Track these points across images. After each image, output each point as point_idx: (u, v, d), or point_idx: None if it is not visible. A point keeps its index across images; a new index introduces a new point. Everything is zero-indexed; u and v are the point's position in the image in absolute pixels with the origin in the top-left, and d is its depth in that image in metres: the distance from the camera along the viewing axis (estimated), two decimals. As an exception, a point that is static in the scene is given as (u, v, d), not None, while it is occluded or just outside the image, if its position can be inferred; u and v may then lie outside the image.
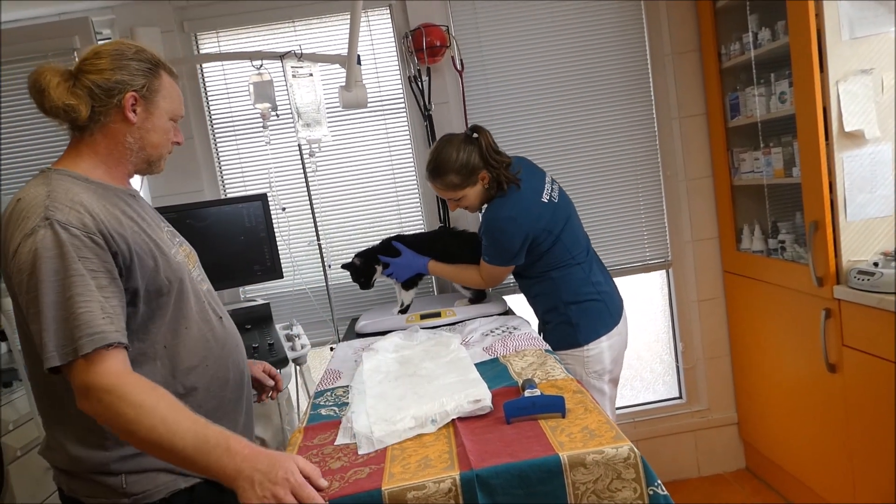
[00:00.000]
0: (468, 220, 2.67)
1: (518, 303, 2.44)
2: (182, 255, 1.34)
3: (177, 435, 1.03)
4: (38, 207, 1.12)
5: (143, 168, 1.34)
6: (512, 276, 2.18)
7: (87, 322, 1.07)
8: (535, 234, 1.98)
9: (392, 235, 2.32)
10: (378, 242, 2.31)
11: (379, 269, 2.25)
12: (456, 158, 1.99)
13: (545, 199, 2.01)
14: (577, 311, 2.03)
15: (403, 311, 2.25)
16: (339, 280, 2.64)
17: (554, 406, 1.21)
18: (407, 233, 2.68)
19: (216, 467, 1.02)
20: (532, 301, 2.20)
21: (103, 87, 1.22)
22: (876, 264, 1.94)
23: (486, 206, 2.09)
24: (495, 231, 1.99)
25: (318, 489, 1.02)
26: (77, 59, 1.25)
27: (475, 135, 2.03)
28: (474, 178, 2.01)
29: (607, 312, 2.07)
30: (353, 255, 2.29)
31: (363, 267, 2.24)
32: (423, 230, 2.70)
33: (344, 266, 2.30)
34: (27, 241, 1.10)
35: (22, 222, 1.12)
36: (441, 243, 2.26)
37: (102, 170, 1.26)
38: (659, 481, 1.03)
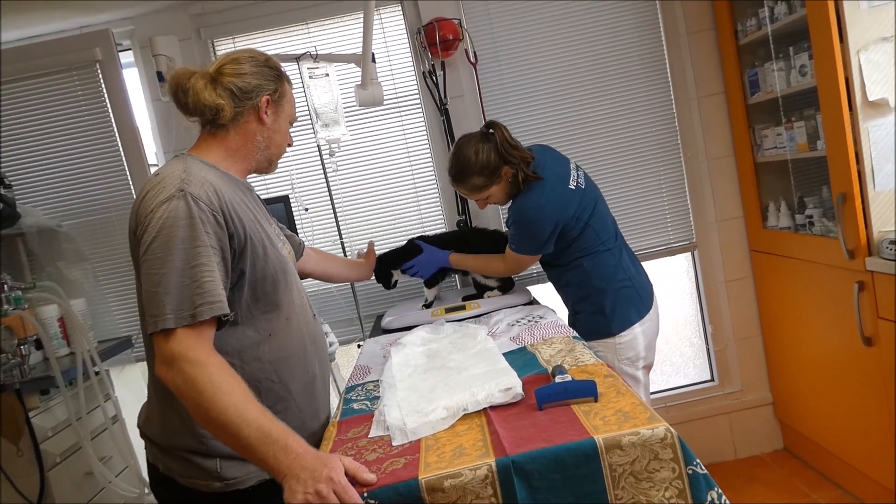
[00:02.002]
0: (488, 215, 2.67)
1: (542, 293, 2.43)
2: (286, 251, 1.43)
3: (244, 422, 1.08)
4: (175, 180, 1.22)
5: (263, 166, 1.46)
6: (539, 266, 2.17)
7: (209, 290, 1.16)
8: (564, 222, 1.96)
9: (416, 236, 2.31)
10: (402, 245, 2.29)
11: (395, 273, 2.25)
12: (476, 160, 1.97)
13: (572, 185, 1.99)
14: (610, 298, 2.01)
15: (428, 306, 2.26)
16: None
17: (586, 390, 1.20)
18: (428, 230, 2.70)
19: (272, 461, 1.06)
20: (562, 291, 2.18)
21: (243, 90, 1.34)
22: (908, 235, 1.90)
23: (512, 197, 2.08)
24: (524, 220, 1.96)
25: (367, 484, 1.04)
26: (215, 64, 1.36)
27: (491, 131, 2.00)
28: (497, 176, 1.98)
29: (639, 298, 2.05)
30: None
31: (378, 272, 2.24)
32: (442, 223, 2.71)
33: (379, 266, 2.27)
34: (161, 207, 1.18)
35: (161, 191, 1.21)
36: (462, 241, 2.25)
37: (229, 162, 1.38)
38: (698, 460, 1.02)
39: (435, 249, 2.21)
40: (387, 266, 2.24)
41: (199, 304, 1.14)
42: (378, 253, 2.27)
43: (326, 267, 1.97)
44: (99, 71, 2.54)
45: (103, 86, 2.55)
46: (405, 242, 2.29)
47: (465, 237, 2.32)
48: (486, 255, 2.17)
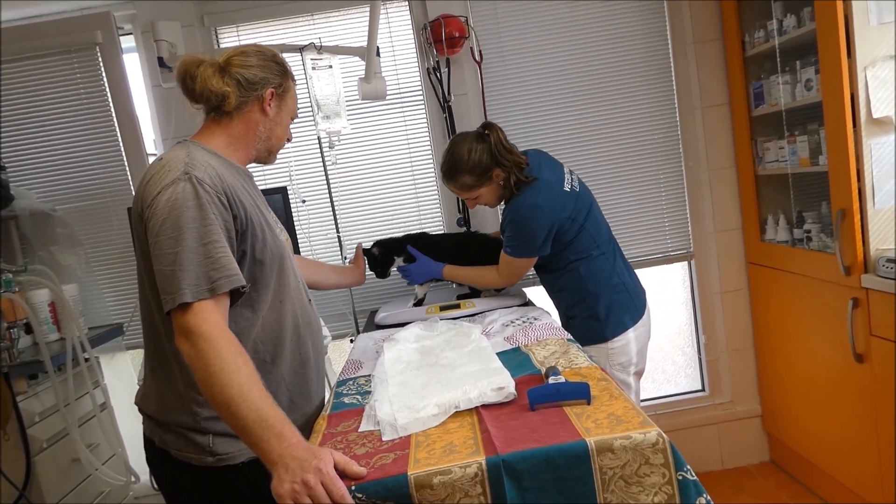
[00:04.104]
0: (487, 215, 2.66)
1: (537, 295, 2.42)
2: (284, 237, 1.48)
3: (244, 402, 1.09)
4: (180, 164, 1.26)
5: (263, 156, 1.50)
6: (533, 270, 2.16)
7: (225, 265, 1.20)
8: (560, 222, 1.95)
9: (409, 235, 2.28)
10: (399, 237, 2.27)
11: (398, 260, 2.24)
12: (468, 159, 1.97)
13: (567, 188, 1.99)
14: (605, 303, 2.01)
15: (418, 304, 2.25)
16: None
17: (579, 393, 1.20)
18: (426, 226, 2.69)
19: (265, 446, 1.07)
20: (556, 296, 2.17)
21: (250, 81, 1.39)
22: (905, 252, 1.90)
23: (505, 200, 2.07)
24: (520, 220, 1.96)
25: (356, 477, 1.03)
26: (224, 56, 1.40)
27: (487, 132, 2.00)
28: (488, 176, 1.98)
29: (633, 304, 2.04)
30: (372, 243, 2.26)
31: (381, 258, 2.22)
32: (441, 220, 2.71)
33: (365, 252, 2.24)
34: (167, 190, 1.22)
35: (164, 174, 1.25)
36: (450, 255, 2.22)
37: (231, 150, 1.42)
38: (688, 466, 1.02)
39: (429, 260, 2.19)
40: (385, 255, 2.21)
41: (217, 279, 1.18)
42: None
43: (314, 275, 1.98)
44: (99, 54, 2.52)
45: (103, 69, 2.54)
46: (401, 237, 2.27)
47: (465, 243, 2.30)
48: (480, 267, 2.16)
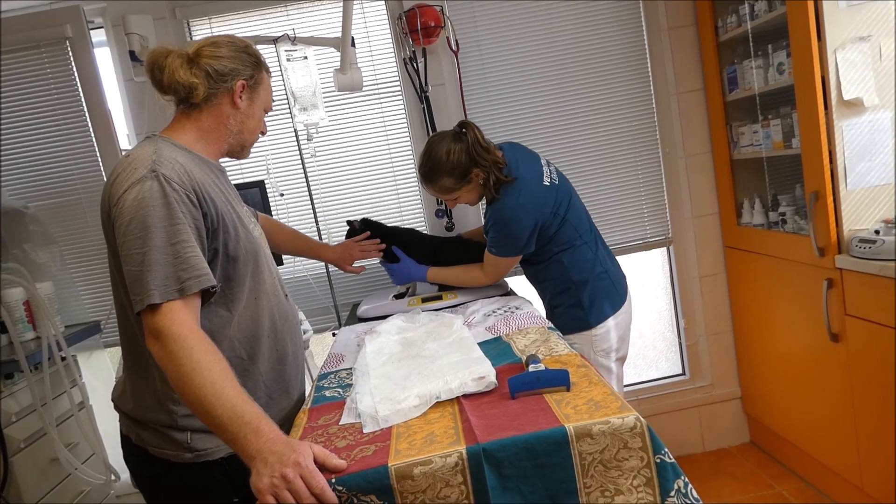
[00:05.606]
0: (468, 210, 2.66)
1: (519, 285, 2.43)
2: (258, 232, 1.45)
3: (219, 400, 1.08)
4: (146, 161, 1.23)
5: (235, 150, 1.47)
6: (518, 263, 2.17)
7: (194, 265, 1.18)
8: (543, 219, 1.96)
9: (397, 229, 2.26)
10: (388, 227, 2.25)
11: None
12: (447, 160, 1.95)
13: (546, 182, 1.99)
14: (588, 291, 2.01)
15: (399, 296, 2.24)
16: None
17: (558, 380, 1.20)
18: (406, 218, 2.68)
19: (242, 442, 1.06)
20: (540, 287, 2.17)
21: (219, 72, 1.36)
22: (877, 232, 1.93)
23: (486, 199, 2.06)
24: (504, 222, 1.95)
25: (336, 470, 1.03)
26: (194, 46, 1.37)
27: (463, 130, 1.98)
28: (467, 178, 1.98)
29: (615, 291, 2.06)
30: (361, 218, 2.24)
31: (359, 233, 2.19)
32: (421, 212, 2.70)
33: (348, 222, 2.23)
34: (133, 189, 1.19)
35: (131, 172, 1.22)
36: (433, 257, 2.21)
37: (201, 144, 1.39)
38: (666, 449, 1.03)
39: (412, 263, 2.18)
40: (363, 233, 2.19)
41: (186, 279, 1.16)
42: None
43: (276, 236, 1.96)
44: (69, 49, 2.47)
45: (73, 64, 2.49)
46: (392, 228, 2.25)
47: (449, 246, 2.28)
48: (464, 266, 2.16)
